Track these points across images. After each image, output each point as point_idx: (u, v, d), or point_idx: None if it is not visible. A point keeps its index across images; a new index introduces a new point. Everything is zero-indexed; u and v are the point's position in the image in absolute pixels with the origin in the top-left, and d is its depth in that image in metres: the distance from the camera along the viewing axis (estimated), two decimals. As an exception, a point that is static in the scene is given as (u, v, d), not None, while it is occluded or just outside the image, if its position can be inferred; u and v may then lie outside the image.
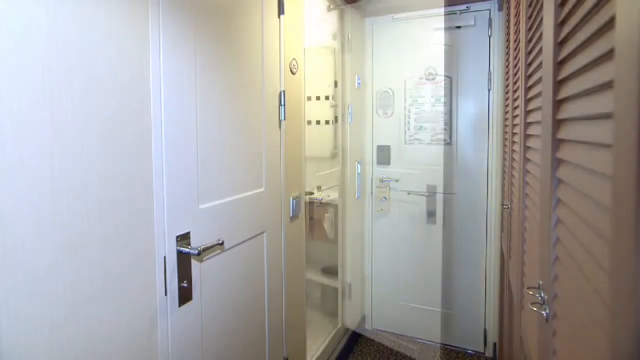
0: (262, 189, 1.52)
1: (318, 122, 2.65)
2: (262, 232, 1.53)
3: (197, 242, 1.16)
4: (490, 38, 2.28)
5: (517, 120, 1.28)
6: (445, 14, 2.00)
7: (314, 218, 2.62)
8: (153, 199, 0.99)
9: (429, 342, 2.18)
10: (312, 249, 2.71)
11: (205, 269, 1.21)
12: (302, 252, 1.84)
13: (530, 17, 1.02)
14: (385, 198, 2.55)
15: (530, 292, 0.81)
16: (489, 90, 2.30)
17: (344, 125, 2.45)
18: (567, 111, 0.62)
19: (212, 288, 1.25)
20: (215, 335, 1.27)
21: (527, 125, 1.06)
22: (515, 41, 1.38)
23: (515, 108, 1.37)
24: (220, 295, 1.29)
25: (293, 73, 1.69)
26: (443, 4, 1.97)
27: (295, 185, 1.77)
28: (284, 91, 1.61)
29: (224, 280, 1.32)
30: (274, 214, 1.61)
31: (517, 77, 1.31)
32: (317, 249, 2.75)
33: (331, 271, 2.59)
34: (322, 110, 2.62)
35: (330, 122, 2.59)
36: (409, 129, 2.53)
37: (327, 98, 2.61)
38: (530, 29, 1.01)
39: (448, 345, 2.45)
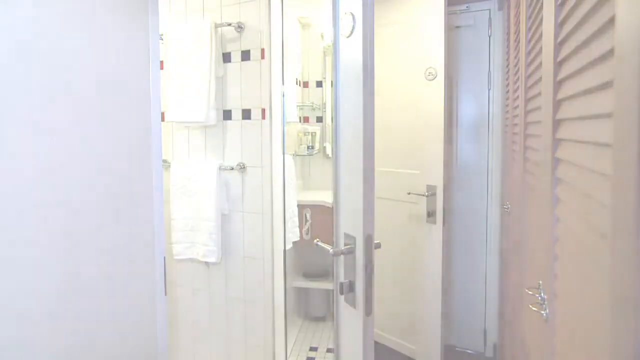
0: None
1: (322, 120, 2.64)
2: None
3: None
4: (490, 38, 2.27)
5: (517, 120, 1.28)
6: (445, 14, 2.00)
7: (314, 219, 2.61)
8: (152, 199, 0.99)
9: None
10: (313, 251, 2.71)
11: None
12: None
13: (530, 17, 1.02)
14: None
15: (530, 292, 0.81)
16: (489, 90, 2.30)
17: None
18: (566, 111, 0.62)
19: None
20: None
21: (527, 125, 1.06)
22: (515, 41, 1.38)
23: (515, 108, 1.37)
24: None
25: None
26: (443, 4, 1.96)
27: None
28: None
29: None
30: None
31: (517, 77, 1.31)
32: (318, 251, 2.74)
33: (331, 272, 2.59)
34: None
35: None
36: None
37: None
38: (530, 29, 1.01)
39: (448, 345, 2.45)
